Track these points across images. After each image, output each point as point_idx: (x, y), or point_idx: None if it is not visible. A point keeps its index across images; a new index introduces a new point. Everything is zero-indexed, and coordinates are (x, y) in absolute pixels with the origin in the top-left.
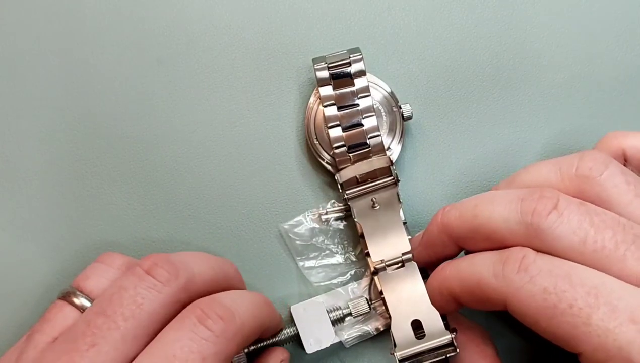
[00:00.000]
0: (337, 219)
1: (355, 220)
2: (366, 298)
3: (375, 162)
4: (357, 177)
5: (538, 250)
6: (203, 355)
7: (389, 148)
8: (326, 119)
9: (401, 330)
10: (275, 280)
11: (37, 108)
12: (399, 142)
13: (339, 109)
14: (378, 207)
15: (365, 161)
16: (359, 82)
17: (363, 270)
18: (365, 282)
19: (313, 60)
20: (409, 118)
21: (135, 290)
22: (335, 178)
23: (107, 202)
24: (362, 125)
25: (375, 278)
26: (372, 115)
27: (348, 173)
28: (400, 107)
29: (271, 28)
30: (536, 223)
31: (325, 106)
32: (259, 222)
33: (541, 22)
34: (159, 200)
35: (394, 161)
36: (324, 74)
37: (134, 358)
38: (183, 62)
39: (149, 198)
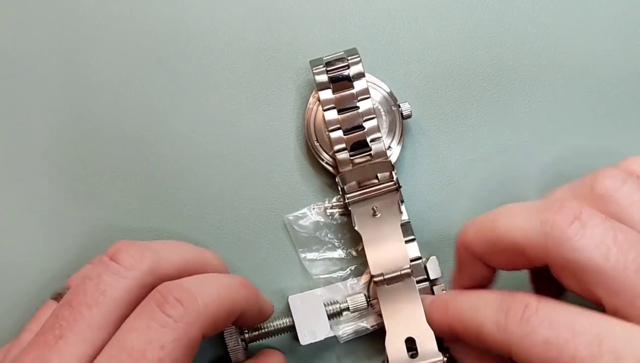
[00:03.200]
0: (342, 214)
1: (355, 228)
2: (365, 295)
3: (377, 166)
4: (358, 181)
5: (557, 264)
6: (161, 343)
7: (389, 147)
8: (327, 123)
9: (395, 347)
10: (276, 273)
11: (37, 108)
12: (399, 142)
13: (339, 112)
14: (379, 216)
15: (366, 164)
16: (359, 85)
17: (364, 267)
18: (364, 278)
19: (310, 62)
20: (409, 116)
21: (99, 278)
22: (336, 181)
23: (107, 202)
24: (363, 127)
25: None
26: (373, 117)
27: (349, 177)
28: (399, 106)
29: (271, 28)
30: (557, 234)
31: (325, 110)
32: (259, 223)
33: (541, 22)
34: (158, 200)
35: (394, 161)
36: (323, 78)
37: (104, 345)
38: (183, 62)
39: (149, 199)
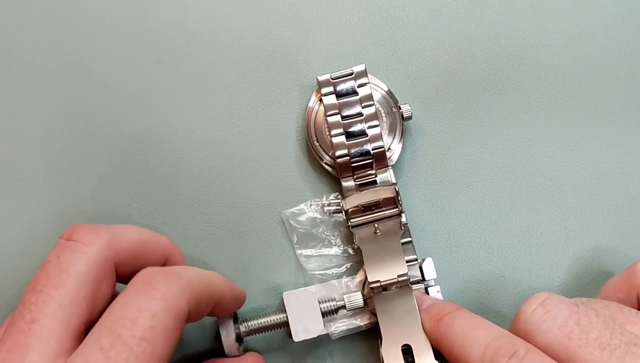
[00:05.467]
0: (338, 211)
1: (355, 243)
2: (362, 293)
3: (382, 192)
4: (362, 205)
5: (537, 347)
6: (153, 312)
7: (389, 148)
8: (329, 127)
9: (391, 354)
10: (271, 269)
11: (37, 109)
12: (399, 143)
13: (343, 118)
14: (379, 233)
15: (371, 190)
16: (362, 91)
17: (359, 264)
18: (359, 276)
19: (319, 82)
20: (409, 118)
21: (59, 259)
22: (340, 204)
23: (106, 203)
24: (366, 134)
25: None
26: (376, 124)
27: (353, 201)
28: (399, 108)
29: (271, 28)
30: (522, 322)
31: (328, 115)
32: (258, 222)
33: (541, 23)
34: (158, 200)
35: (394, 161)
36: (332, 99)
37: (84, 322)
38: (182, 63)
39: (149, 199)
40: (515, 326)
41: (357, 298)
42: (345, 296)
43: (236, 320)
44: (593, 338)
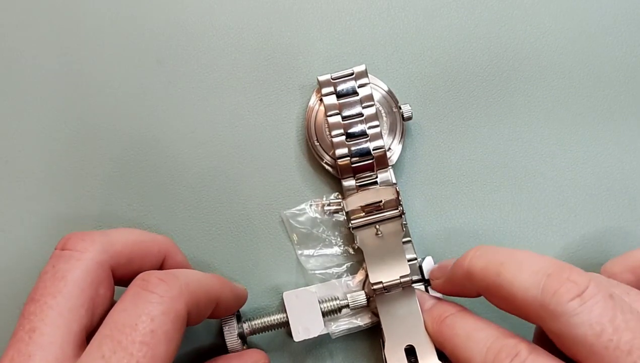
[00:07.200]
0: (339, 211)
1: (356, 244)
2: (365, 292)
3: (382, 193)
4: (363, 206)
5: (549, 331)
6: (151, 316)
7: (389, 148)
8: (330, 127)
9: (395, 355)
10: (272, 269)
11: (37, 109)
12: (399, 143)
13: (343, 118)
14: (381, 235)
15: (372, 190)
16: (363, 91)
17: (359, 264)
18: (360, 276)
19: (319, 82)
20: (409, 118)
21: (55, 268)
22: (342, 205)
23: (106, 202)
24: (366, 134)
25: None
26: (377, 125)
27: (354, 202)
28: (400, 108)
29: (271, 28)
30: (553, 307)
31: (329, 115)
32: (258, 222)
33: (541, 23)
34: (158, 199)
35: (394, 161)
36: (332, 99)
37: (85, 329)
38: (183, 63)
39: (149, 199)
40: (539, 297)
41: (361, 298)
42: (348, 295)
43: (239, 319)
44: (624, 340)
